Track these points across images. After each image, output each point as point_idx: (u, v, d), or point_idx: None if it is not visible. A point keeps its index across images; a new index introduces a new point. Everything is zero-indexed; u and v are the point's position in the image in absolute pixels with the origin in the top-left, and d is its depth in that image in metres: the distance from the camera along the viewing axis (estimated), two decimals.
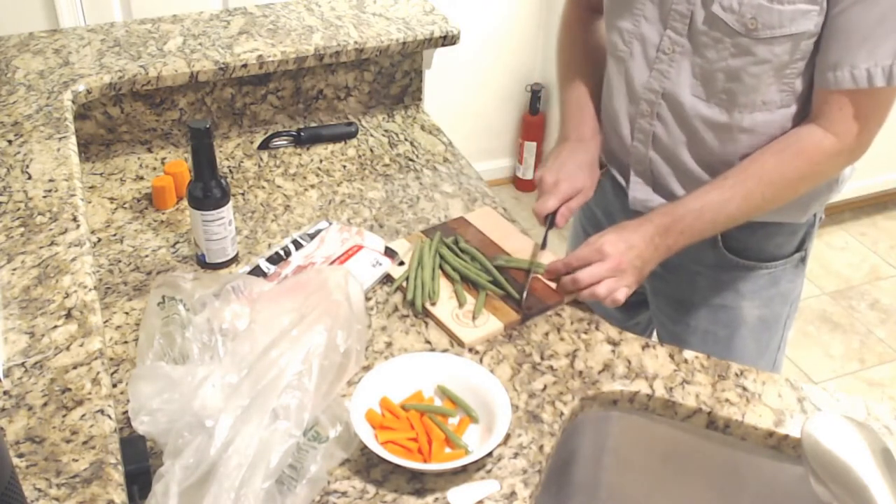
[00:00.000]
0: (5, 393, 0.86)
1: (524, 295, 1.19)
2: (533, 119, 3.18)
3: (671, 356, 1.13)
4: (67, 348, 0.91)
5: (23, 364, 0.89)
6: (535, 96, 3.15)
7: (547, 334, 1.17)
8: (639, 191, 1.30)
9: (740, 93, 1.15)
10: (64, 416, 0.84)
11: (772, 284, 1.33)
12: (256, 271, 1.24)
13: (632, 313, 1.48)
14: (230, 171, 1.50)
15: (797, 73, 1.13)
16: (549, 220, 1.27)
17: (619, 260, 1.14)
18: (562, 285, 1.20)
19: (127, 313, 1.17)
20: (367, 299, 1.21)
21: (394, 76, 1.67)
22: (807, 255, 1.35)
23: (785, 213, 1.25)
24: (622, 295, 1.14)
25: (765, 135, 1.18)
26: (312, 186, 1.46)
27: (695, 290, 1.34)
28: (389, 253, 1.27)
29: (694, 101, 1.18)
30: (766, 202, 1.17)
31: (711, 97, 1.17)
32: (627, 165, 1.30)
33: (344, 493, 0.95)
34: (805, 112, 1.17)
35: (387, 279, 1.25)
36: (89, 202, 1.40)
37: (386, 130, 1.63)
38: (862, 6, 1.05)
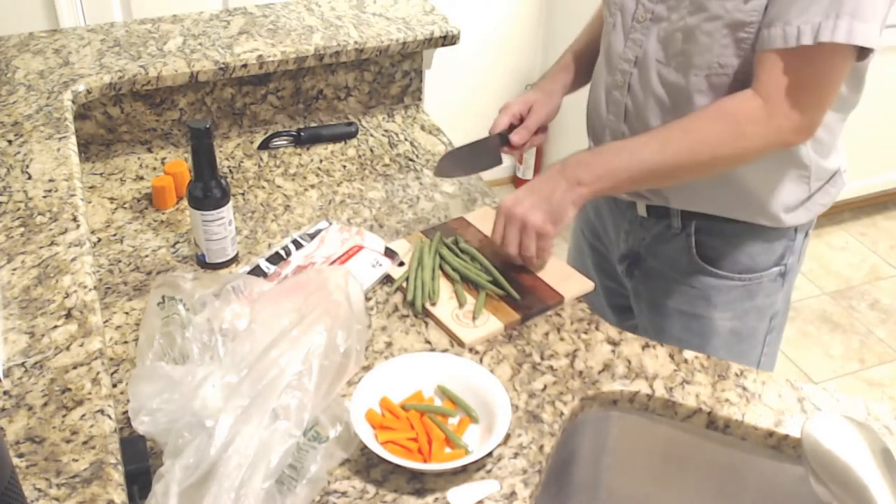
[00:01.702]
0: (5, 393, 0.86)
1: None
2: None
3: (671, 356, 1.13)
4: (67, 348, 0.91)
5: (23, 364, 0.89)
6: None
7: (547, 334, 1.17)
8: None
9: (695, 53, 1.13)
10: (64, 416, 0.84)
11: (746, 297, 1.31)
12: (256, 271, 1.24)
13: (625, 316, 1.48)
14: (230, 171, 1.50)
15: (754, 36, 1.09)
16: (502, 138, 1.33)
17: (523, 213, 1.15)
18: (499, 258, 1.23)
19: (127, 313, 1.17)
20: (367, 299, 1.21)
21: (394, 76, 1.67)
22: (788, 271, 1.32)
23: (747, 209, 1.23)
24: (542, 244, 1.18)
25: (721, 94, 1.15)
26: (312, 186, 1.46)
27: (669, 296, 1.34)
28: (389, 253, 1.27)
29: (657, 67, 1.18)
30: (686, 156, 1.12)
31: (671, 60, 1.16)
32: (604, 141, 1.30)
33: (344, 493, 0.95)
34: None
35: (387, 279, 1.25)
36: (89, 202, 1.40)
37: (386, 130, 1.63)
38: None
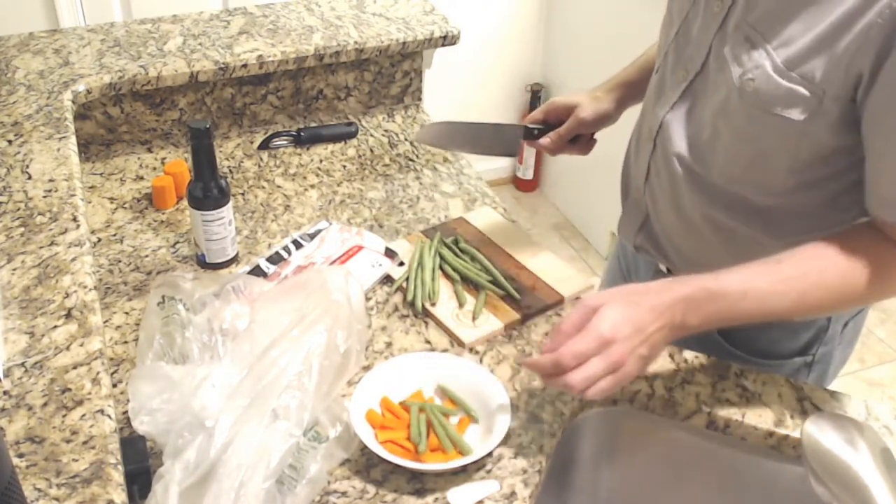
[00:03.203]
0: (5, 393, 0.86)
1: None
2: None
3: (671, 356, 1.12)
4: (67, 348, 0.91)
5: (23, 364, 0.89)
6: (535, 96, 3.15)
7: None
8: (626, 220, 1.24)
9: (718, 154, 1.04)
10: (64, 416, 0.84)
11: None
12: (256, 271, 1.24)
13: None
14: (230, 171, 1.50)
15: (777, 161, 0.99)
16: (526, 131, 1.26)
17: (621, 353, 0.89)
18: (551, 383, 0.92)
19: (127, 313, 1.17)
20: (367, 299, 1.21)
21: (394, 76, 1.67)
22: (817, 361, 1.18)
23: None
24: (607, 388, 0.91)
25: (738, 215, 1.06)
26: (312, 186, 1.46)
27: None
28: (389, 253, 1.27)
29: (679, 143, 1.08)
30: (824, 310, 1.00)
31: (693, 148, 1.06)
32: (629, 185, 1.23)
33: (344, 493, 0.95)
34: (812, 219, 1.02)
35: (387, 279, 1.25)
36: (89, 202, 1.40)
37: (386, 130, 1.63)
38: None
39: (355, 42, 1.56)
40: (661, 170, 1.13)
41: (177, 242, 1.32)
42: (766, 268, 0.93)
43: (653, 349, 0.92)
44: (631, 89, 1.29)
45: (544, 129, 1.30)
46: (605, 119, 1.28)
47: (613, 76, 1.32)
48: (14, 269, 1.01)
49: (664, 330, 0.91)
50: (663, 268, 1.22)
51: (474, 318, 1.17)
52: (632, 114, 1.28)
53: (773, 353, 1.17)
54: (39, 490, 0.77)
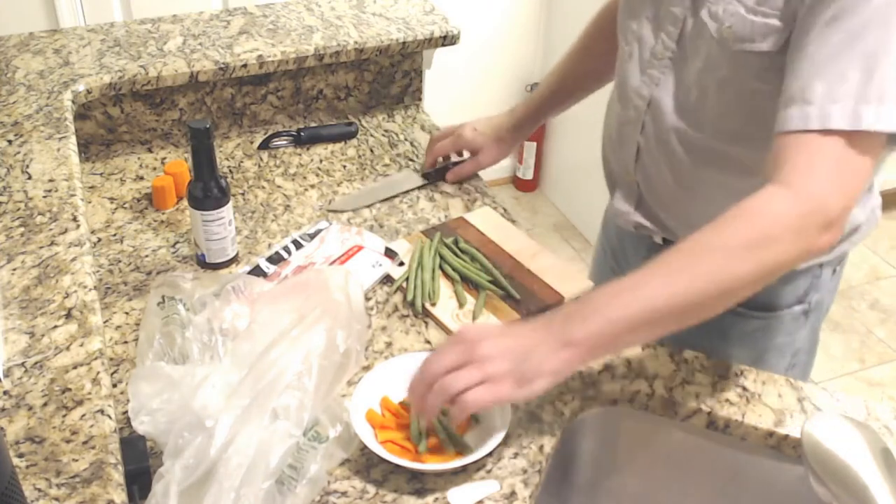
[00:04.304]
0: (5, 393, 0.86)
1: None
2: None
3: (671, 356, 1.12)
4: (67, 348, 0.91)
5: (23, 364, 0.89)
6: None
7: None
8: (621, 203, 1.26)
9: (708, 110, 1.07)
10: (64, 416, 0.84)
11: (765, 334, 1.23)
12: (256, 271, 1.24)
13: None
14: (230, 171, 1.50)
15: (764, 102, 0.99)
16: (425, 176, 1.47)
17: (471, 342, 0.89)
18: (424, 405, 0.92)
19: (127, 313, 1.17)
20: (367, 299, 1.21)
21: (394, 76, 1.67)
22: (813, 308, 1.22)
23: None
24: (481, 396, 0.88)
25: (735, 170, 1.07)
26: (312, 186, 1.46)
27: (686, 328, 1.25)
28: (389, 253, 1.27)
29: (672, 114, 1.11)
30: (701, 284, 0.89)
31: (685, 113, 1.10)
32: (614, 173, 1.27)
33: (344, 493, 0.95)
34: None
35: (387, 279, 1.25)
36: (89, 202, 1.40)
37: (386, 130, 1.63)
38: (830, 30, 0.89)
39: (355, 42, 1.56)
40: (652, 147, 1.16)
41: (177, 242, 1.32)
42: (643, 268, 0.92)
43: (534, 369, 0.88)
44: (539, 118, 1.43)
45: (440, 170, 1.47)
46: (502, 160, 1.43)
47: (525, 103, 1.43)
48: (14, 269, 1.01)
49: (545, 344, 0.89)
50: (658, 240, 1.26)
51: (474, 319, 1.17)
52: None
53: (774, 306, 1.20)
54: (39, 490, 0.77)
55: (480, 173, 1.51)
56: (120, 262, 1.27)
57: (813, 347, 1.31)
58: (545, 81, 1.43)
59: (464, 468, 0.97)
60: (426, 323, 1.18)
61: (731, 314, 1.12)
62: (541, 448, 1.01)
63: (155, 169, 1.49)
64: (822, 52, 0.90)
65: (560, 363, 0.89)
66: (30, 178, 1.17)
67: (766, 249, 0.88)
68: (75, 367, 0.89)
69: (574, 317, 0.90)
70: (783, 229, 0.88)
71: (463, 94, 3.07)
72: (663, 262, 0.91)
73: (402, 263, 1.27)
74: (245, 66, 1.50)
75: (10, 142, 1.25)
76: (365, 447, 0.96)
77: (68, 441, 0.81)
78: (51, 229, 1.08)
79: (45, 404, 0.85)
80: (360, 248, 1.28)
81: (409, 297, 1.20)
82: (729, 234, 0.89)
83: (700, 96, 1.08)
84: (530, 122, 1.43)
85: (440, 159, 1.48)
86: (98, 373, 0.88)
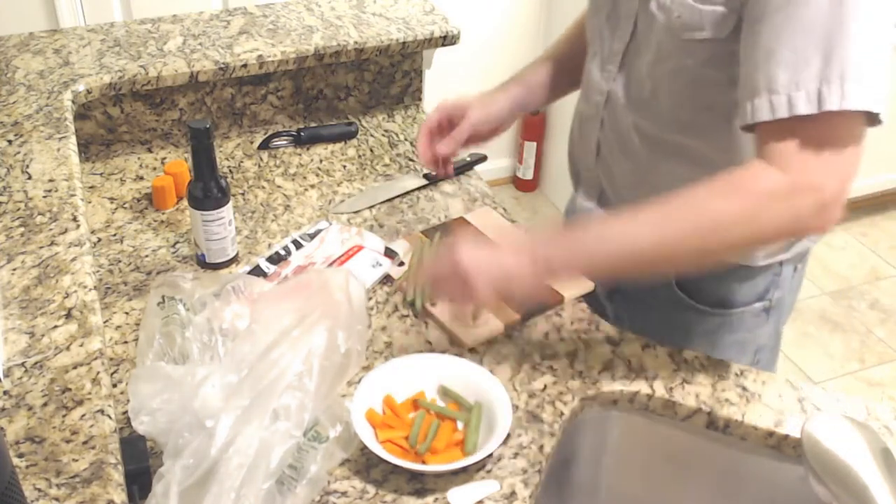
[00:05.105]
0: (5, 393, 0.86)
1: None
2: (533, 119, 3.18)
3: (671, 356, 1.13)
4: (67, 348, 0.91)
5: (23, 364, 0.89)
6: None
7: (547, 334, 1.16)
8: (583, 200, 1.27)
9: (661, 102, 1.08)
10: (64, 416, 0.84)
11: (726, 330, 1.23)
12: (256, 271, 1.24)
13: None
14: (230, 171, 1.50)
15: (715, 90, 1.02)
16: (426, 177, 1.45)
17: (458, 261, 0.98)
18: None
19: (127, 313, 1.17)
20: (367, 299, 1.21)
21: (394, 76, 1.67)
22: (774, 306, 1.23)
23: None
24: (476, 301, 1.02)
25: (692, 162, 1.08)
26: (312, 186, 1.46)
27: (649, 323, 1.24)
28: (389, 253, 1.27)
29: (626, 107, 1.13)
30: (688, 240, 0.94)
31: (640, 106, 1.12)
32: (577, 170, 1.28)
33: (344, 493, 0.95)
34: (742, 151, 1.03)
35: (387, 279, 1.25)
36: (89, 202, 1.40)
37: (386, 130, 1.63)
38: (782, 16, 0.89)
39: (355, 42, 1.56)
40: (611, 142, 1.18)
41: (177, 242, 1.32)
42: (632, 212, 0.96)
43: (508, 273, 0.97)
44: (531, 89, 1.34)
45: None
46: (497, 120, 1.29)
47: (510, 78, 1.37)
48: (14, 269, 1.01)
49: (525, 266, 0.97)
50: None
51: (474, 318, 1.16)
52: None
53: (734, 303, 1.20)
54: (39, 490, 0.77)
55: (481, 173, 1.51)
56: (120, 262, 1.27)
57: (776, 345, 1.32)
58: (550, 50, 1.40)
59: (464, 468, 0.97)
60: (426, 323, 1.18)
61: (691, 311, 1.19)
62: (541, 448, 1.01)
63: (155, 169, 1.49)
64: (778, 38, 0.90)
65: (538, 284, 1.01)
66: (30, 178, 1.17)
67: (755, 225, 0.92)
68: (75, 367, 0.89)
69: (556, 244, 0.99)
70: (772, 199, 0.91)
71: (463, 94, 3.07)
72: (655, 211, 0.95)
73: (402, 263, 1.27)
74: (245, 66, 1.50)
75: (10, 142, 1.25)
76: (365, 447, 0.96)
77: (68, 441, 0.81)
78: (51, 229, 1.08)
79: (45, 404, 0.85)
80: (360, 248, 1.28)
81: (409, 298, 1.20)
82: (720, 205, 0.93)
83: (653, 88, 1.09)
84: (517, 86, 1.35)
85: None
86: (98, 373, 0.88)
